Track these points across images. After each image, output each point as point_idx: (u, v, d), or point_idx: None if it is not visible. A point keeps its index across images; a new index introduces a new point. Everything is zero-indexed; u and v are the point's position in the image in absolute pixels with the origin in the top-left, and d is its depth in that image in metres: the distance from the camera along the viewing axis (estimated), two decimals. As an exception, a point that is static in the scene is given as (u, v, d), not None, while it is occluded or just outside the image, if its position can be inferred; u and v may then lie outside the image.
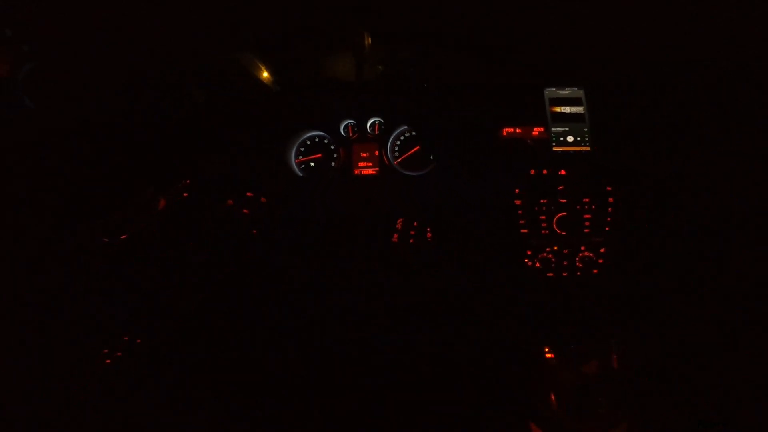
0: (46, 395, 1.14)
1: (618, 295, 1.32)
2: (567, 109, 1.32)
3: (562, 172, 1.29)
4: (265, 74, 1.32)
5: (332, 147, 1.44)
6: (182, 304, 1.36)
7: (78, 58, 1.06)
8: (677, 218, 1.31)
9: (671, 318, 1.35)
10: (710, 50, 1.22)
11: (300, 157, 1.45)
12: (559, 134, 1.31)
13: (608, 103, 1.31)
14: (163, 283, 1.31)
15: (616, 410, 1.16)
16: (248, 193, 1.37)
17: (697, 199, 1.30)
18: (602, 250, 1.29)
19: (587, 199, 1.28)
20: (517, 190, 1.29)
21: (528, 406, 1.26)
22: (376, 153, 1.41)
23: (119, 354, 1.25)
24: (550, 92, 1.33)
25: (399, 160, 1.43)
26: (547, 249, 1.29)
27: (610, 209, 1.28)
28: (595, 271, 1.29)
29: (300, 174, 1.44)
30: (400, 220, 1.39)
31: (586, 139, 1.30)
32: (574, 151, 1.30)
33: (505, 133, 1.33)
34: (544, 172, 1.30)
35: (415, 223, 1.39)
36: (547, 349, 1.26)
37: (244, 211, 1.36)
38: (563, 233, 1.28)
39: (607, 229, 1.28)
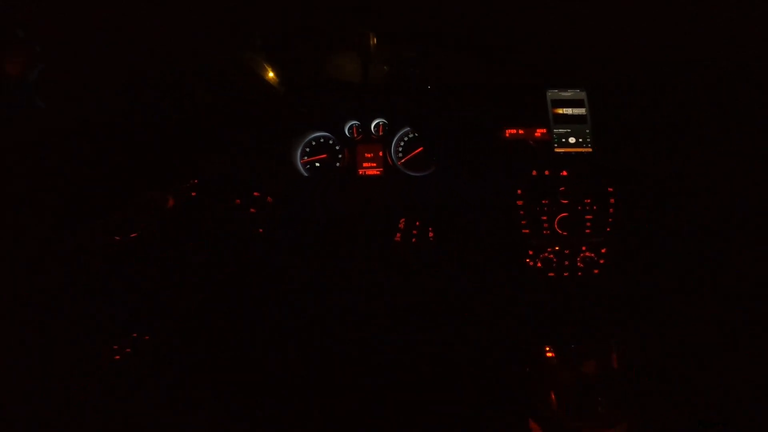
0: (46, 395, 1.14)
1: (619, 295, 1.33)
2: (569, 111, 1.32)
3: (564, 173, 1.30)
4: (271, 74, 1.32)
5: (337, 148, 1.45)
6: (184, 303, 1.36)
7: (78, 58, 1.06)
8: (678, 219, 1.31)
9: (671, 318, 1.35)
10: (710, 50, 1.22)
11: (306, 158, 1.46)
12: (561, 135, 1.31)
13: (610, 105, 1.31)
14: (165, 283, 1.31)
15: (616, 410, 1.16)
16: (255, 193, 1.38)
17: (698, 200, 1.31)
18: (603, 251, 1.29)
19: (588, 200, 1.28)
20: (519, 191, 1.30)
21: (528, 405, 1.27)
22: (380, 154, 1.43)
23: (118, 356, 1.25)
24: (552, 94, 1.33)
25: (403, 160, 1.44)
26: (549, 249, 1.30)
27: (611, 210, 1.28)
28: (596, 271, 1.29)
29: (305, 174, 1.45)
30: (403, 219, 1.39)
31: (588, 140, 1.30)
32: (576, 152, 1.30)
33: (507, 134, 1.33)
34: (546, 173, 1.30)
35: (418, 223, 1.40)
36: (547, 348, 1.26)
37: (251, 210, 1.37)
38: (564, 233, 1.28)
39: (608, 229, 1.28)
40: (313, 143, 1.46)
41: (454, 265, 1.39)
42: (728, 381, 1.31)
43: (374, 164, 1.43)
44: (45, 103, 1.01)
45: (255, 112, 1.37)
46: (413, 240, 1.40)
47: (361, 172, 1.43)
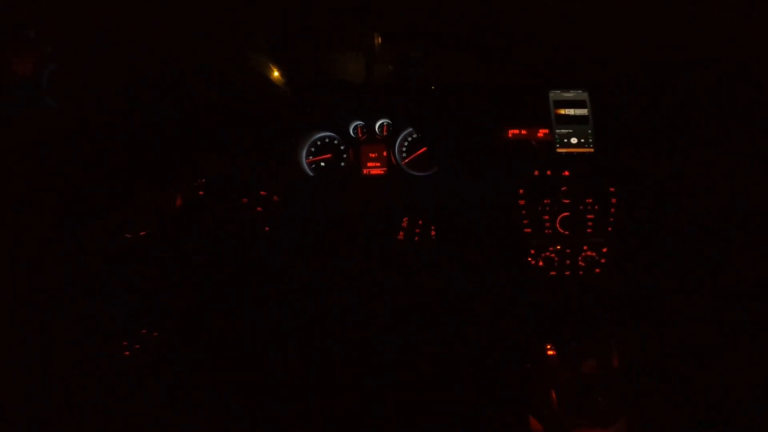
0: (46, 395, 1.13)
1: (620, 295, 1.33)
2: (571, 111, 1.32)
3: (566, 173, 1.30)
4: (276, 74, 1.33)
5: (342, 147, 1.47)
6: (185, 303, 1.36)
7: (79, 58, 1.06)
8: (679, 218, 1.31)
9: (672, 318, 1.36)
10: (710, 50, 1.22)
11: (311, 157, 1.47)
12: (563, 136, 1.31)
13: (611, 105, 1.32)
14: (165, 283, 1.31)
15: (616, 409, 1.16)
16: (262, 192, 1.39)
17: (698, 200, 1.31)
18: (604, 250, 1.29)
19: (590, 200, 1.29)
20: (521, 191, 1.30)
21: (528, 404, 1.27)
22: (385, 154, 1.45)
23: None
24: (554, 95, 1.34)
25: (407, 160, 1.45)
26: (550, 248, 1.30)
27: (612, 209, 1.28)
28: (597, 270, 1.30)
29: (311, 173, 1.46)
30: (406, 218, 1.40)
31: (590, 140, 1.31)
32: (578, 152, 1.31)
33: (510, 135, 1.33)
34: (548, 173, 1.30)
35: (420, 222, 1.41)
36: (548, 347, 1.26)
37: (258, 209, 1.38)
38: (566, 233, 1.29)
39: (609, 229, 1.29)
40: (319, 143, 1.47)
41: (456, 264, 1.39)
42: (728, 381, 1.31)
43: (378, 164, 1.45)
44: (57, 102, 1.02)
45: (260, 113, 1.38)
46: (416, 239, 1.40)
47: (365, 171, 1.45)
